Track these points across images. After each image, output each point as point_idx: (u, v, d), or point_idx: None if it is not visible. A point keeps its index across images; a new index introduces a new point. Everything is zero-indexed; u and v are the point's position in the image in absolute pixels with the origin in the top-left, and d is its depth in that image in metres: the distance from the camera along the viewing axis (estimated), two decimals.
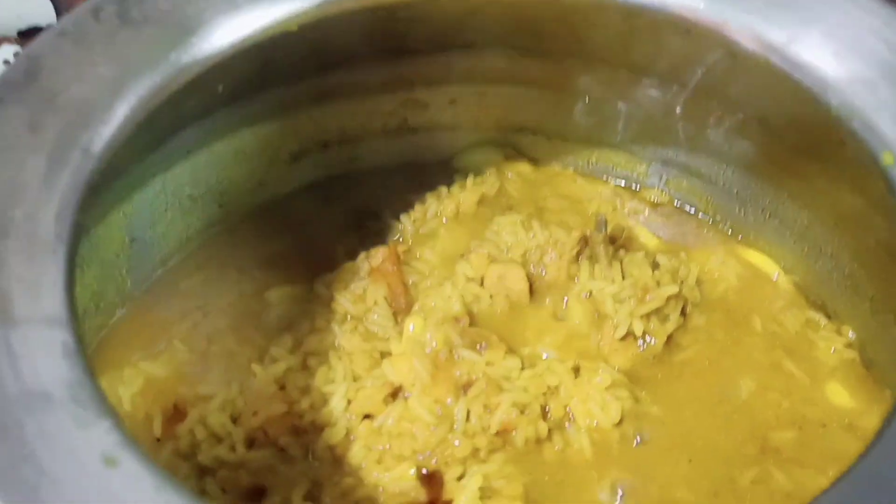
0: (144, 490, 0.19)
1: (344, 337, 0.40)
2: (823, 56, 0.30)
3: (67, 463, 0.19)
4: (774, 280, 0.44)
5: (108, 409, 0.21)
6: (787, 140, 0.38)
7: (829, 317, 0.42)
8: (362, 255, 0.44)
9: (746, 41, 0.32)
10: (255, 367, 0.38)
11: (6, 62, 0.51)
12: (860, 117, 0.29)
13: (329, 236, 0.46)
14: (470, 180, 0.47)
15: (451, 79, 0.46)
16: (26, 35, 0.51)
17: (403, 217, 0.46)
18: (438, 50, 0.43)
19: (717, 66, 0.36)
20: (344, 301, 0.41)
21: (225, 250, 0.46)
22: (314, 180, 0.48)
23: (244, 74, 0.37)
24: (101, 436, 0.20)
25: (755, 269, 0.44)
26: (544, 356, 0.39)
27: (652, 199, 0.47)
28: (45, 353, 0.22)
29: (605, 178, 0.48)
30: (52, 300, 0.23)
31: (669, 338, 0.40)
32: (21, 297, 0.23)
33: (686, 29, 0.34)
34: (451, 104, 0.47)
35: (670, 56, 0.37)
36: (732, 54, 0.33)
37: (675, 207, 0.47)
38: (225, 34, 0.33)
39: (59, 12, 0.50)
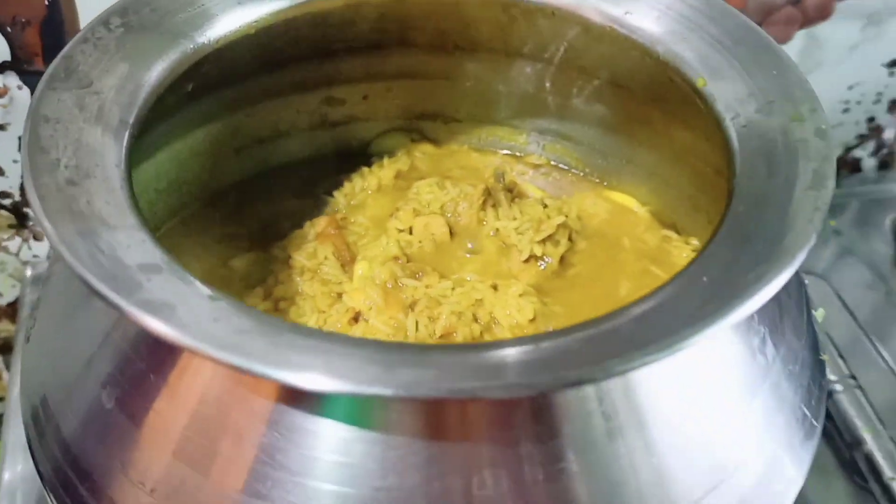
0: (243, 314, 0.28)
1: (305, 284, 0.49)
2: (649, 20, 0.42)
3: (188, 298, 0.28)
4: (636, 211, 0.56)
5: (196, 277, 0.30)
6: (633, 95, 0.49)
7: (678, 232, 0.54)
8: (308, 224, 0.53)
9: (595, 17, 0.44)
10: None
11: None
12: (679, 59, 0.41)
13: (275, 214, 0.55)
14: (386, 160, 0.57)
15: (363, 77, 0.56)
16: None
17: (336, 193, 0.56)
18: (352, 51, 0.53)
19: (575, 41, 0.47)
20: (299, 257, 0.50)
21: (188, 233, 0.54)
22: (256, 170, 0.57)
23: (207, 74, 0.46)
24: (200, 287, 0.29)
25: (620, 205, 0.56)
26: (469, 279, 0.50)
27: (533, 163, 0.59)
28: (141, 245, 0.30)
29: (494, 150, 0.60)
30: (133, 217, 0.32)
31: (562, 258, 0.51)
32: (111, 214, 0.31)
33: (551, 12, 0.45)
34: (364, 99, 0.57)
35: (539, 37, 0.49)
36: (587, 29, 0.45)
37: (553, 166, 0.59)
38: (203, 38, 0.42)
39: (13, 50, 0.57)
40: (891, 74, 0.73)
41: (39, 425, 0.36)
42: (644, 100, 0.49)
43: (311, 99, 0.56)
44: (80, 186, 0.32)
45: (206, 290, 0.29)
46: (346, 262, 0.51)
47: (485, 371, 0.26)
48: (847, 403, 0.60)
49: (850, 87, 0.74)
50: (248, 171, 0.56)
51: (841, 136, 0.78)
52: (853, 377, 0.62)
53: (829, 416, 0.61)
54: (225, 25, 0.42)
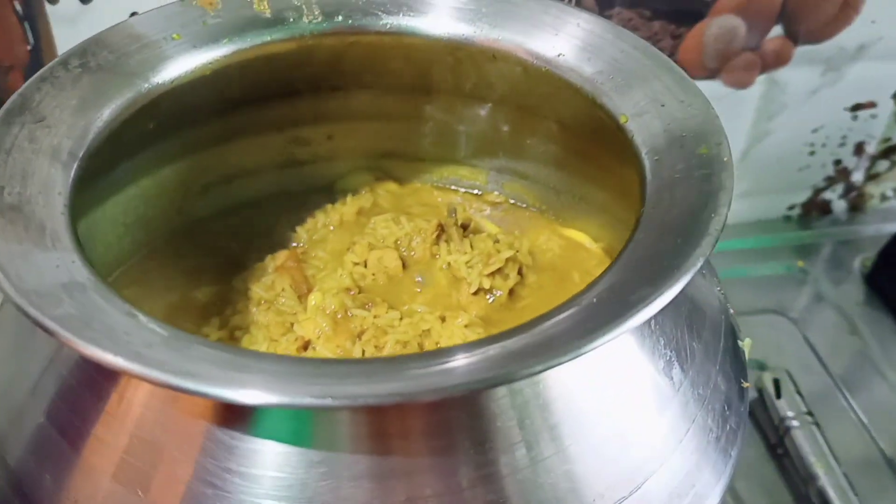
0: (157, 329, 0.30)
1: (260, 314, 0.51)
2: (581, 61, 0.44)
3: (105, 315, 0.30)
4: (588, 247, 0.57)
5: (118, 295, 0.32)
6: (577, 134, 0.51)
7: None
8: (269, 258, 0.55)
9: (532, 59, 0.46)
10: None
11: None
12: (606, 96, 0.43)
13: (240, 249, 0.57)
14: (349, 198, 0.60)
15: (327, 117, 0.58)
16: None
17: (299, 228, 0.58)
18: (315, 93, 0.55)
19: (519, 83, 0.50)
20: (257, 289, 0.52)
21: (154, 266, 0.56)
22: (223, 207, 0.59)
23: (168, 113, 0.48)
24: (120, 304, 0.31)
25: (573, 241, 0.58)
26: (418, 310, 0.51)
27: (493, 201, 0.61)
28: (70, 265, 0.32)
29: (455, 189, 0.62)
30: (68, 241, 0.34)
31: (511, 291, 0.53)
32: (47, 237, 0.34)
33: (492, 55, 0.48)
34: (328, 139, 0.60)
35: (486, 79, 0.51)
36: (526, 70, 0.47)
37: (511, 204, 0.61)
38: (158, 78, 0.44)
39: None
40: (854, 118, 0.75)
41: None
42: (587, 138, 0.51)
43: (278, 139, 0.59)
44: (21, 212, 0.34)
45: (125, 308, 0.31)
46: (303, 293, 0.53)
47: (376, 380, 0.28)
48: (802, 439, 0.61)
49: (815, 131, 0.76)
50: (216, 208, 0.58)
51: (809, 178, 0.80)
52: (810, 414, 0.63)
53: (786, 451, 0.62)
54: (180, 67, 0.45)
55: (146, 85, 0.44)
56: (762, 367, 0.68)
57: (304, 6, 0.48)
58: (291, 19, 0.48)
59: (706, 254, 0.32)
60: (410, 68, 0.52)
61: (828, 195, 0.81)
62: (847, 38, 0.70)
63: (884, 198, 0.83)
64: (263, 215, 0.59)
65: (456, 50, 0.49)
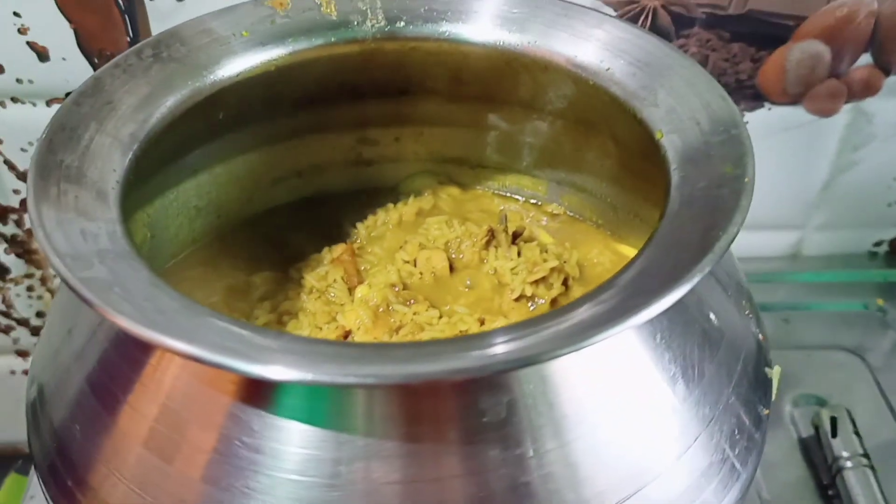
0: (176, 298, 0.33)
1: (309, 302, 0.53)
2: (626, 76, 0.45)
3: (130, 281, 0.33)
4: None
5: (148, 267, 0.35)
6: (630, 149, 0.52)
7: None
8: (326, 249, 0.57)
9: (581, 71, 0.47)
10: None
11: None
12: (648, 111, 0.43)
13: (302, 241, 0.60)
14: (410, 199, 0.62)
15: (394, 120, 0.60)
16: None
17: (359, 225, 0.60)
18: (382, 96, 0.57)
19: (572, 95, 0.50)
20: (310, 279, 0.55)
21: (221, 250, 0.59)
22: (291, 200, 0.62)
23: (236, 106, 0.51)
24: (147, 275, 0.34)
25: (625, 257, 0.58)
26: (459, 311, 0.53)
27: (552, 212, 0.62)
28: (111, 235, 0.35)
29: (515, 197, 0.63)
30: (115, 213, 0.37)
31: (554, 301, 0.54)
32: (94, 208, 0.37)
33: (544, 66, 0.48)
34: (395, 141, 0.62)
35: (542, 91, 0.52)
36: (577, 83, 0.48)
37: (569, 217, 0.61)
38: (224, 71, 0.47)
39: None
40: None
41: (36, 416, 0.41)
42: (639, 155, 0.51)
43: (348, 138, 0.61)
44: (75, 184, 0.37)
45: (150, 277, 0.33)
46: (354, 286, 0.55)
47: (383, 362, 0.29)
48: (854, 480, 0.59)
49: None
50: (284, 200, 0.61)
51: None
52: (866, 456, 0.60)
53: (836, 493, 0.60)
54: (246, 62, 0.48)
55: (212, 77, 0.46)
56: (822, 402, 0.66)
57: (368, 10, 0.50)
58: (356, 23, 0.50)
59: (704, 271, 0.32)
60: (470, 76, 0.54)
61: None
62: None
63: None
64: (329, 210, 0.62)
65: (512, 60, 0.50)
